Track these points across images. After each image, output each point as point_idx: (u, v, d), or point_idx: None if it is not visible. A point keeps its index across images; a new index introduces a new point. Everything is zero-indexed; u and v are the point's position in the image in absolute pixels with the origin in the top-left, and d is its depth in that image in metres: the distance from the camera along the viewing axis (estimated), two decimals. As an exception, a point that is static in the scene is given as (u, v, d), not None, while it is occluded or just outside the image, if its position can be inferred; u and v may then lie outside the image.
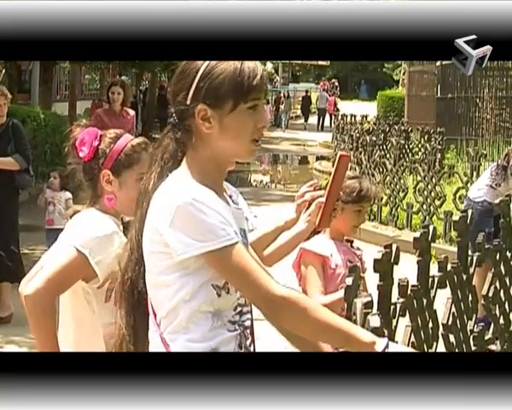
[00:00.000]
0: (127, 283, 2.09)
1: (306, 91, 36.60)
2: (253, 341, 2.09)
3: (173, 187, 1.97)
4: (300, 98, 37.12)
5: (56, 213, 7.32)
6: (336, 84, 44.45)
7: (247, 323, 2.07)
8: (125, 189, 2.67)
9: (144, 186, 2.07)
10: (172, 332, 2.00)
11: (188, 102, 1.99)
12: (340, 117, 22.45)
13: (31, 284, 2.52)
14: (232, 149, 2.03)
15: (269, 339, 2.75)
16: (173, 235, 1.92)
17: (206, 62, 1.99)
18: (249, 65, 2.00)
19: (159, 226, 1.95)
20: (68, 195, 7.39)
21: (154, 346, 2.05)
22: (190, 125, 2.01)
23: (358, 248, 3.59)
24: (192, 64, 2.00)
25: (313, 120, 34.69)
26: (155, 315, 2.04)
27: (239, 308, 2.04)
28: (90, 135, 2.68)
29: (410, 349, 2.34)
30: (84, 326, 2.62)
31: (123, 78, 8.90)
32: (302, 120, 35.90)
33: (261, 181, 17.19)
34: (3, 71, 15.50)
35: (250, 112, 2.00)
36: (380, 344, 1.92)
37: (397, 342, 2.76)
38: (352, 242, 3.55)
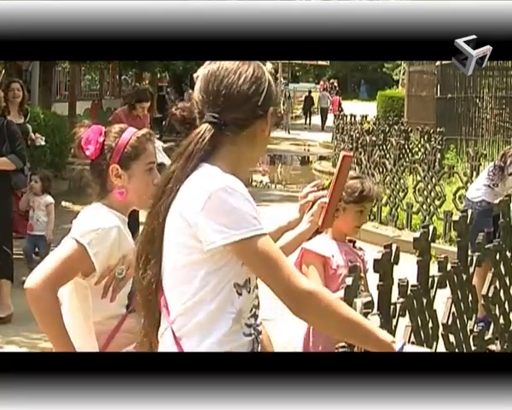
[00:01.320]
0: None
1: (309, 91, 36.45)
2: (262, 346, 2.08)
3: (206, 175, 1.96)
4: (302, 98, 37.01)
5: (35, 218, 7.23)
6: (335, 84, 44.44)
7: (260, 328, 2.06)
8: (134, 181, 2.68)
9: (175, 178, 2.00)
10: (188, 332, 1.97)
11: (259, 104, 2.03)
12: (339, 117, 22.44)
13: (30, 277, 2.49)
14: (266, 147, 2.15)
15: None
16: (204, 222, 1.90)
17: (264, 67, 2.07)
18: None
19: (188, 214, 1.93)
20: (49, 199, 7.32)
21: (166, 344, 2.02)
22: (247, 125, 2.03)
23: (360, 249, 3.58)
24: (261, 68, 2.05)
25: (315, 120, 34.62)
26: (168, 312, 2.01)
27: (254, 310, 2.02)
28: (95, 132, 2.69)
29: (424, 349, 2.35)
30: (78, 323, 2.60)
31: (148, 86, 8.98)
32: (302, 120, 35.82)
33: (261, 181, 17.17)
34: (3, 71, 15.47)
35: None
36: (397, 344, 1.95)
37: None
38: (354, 242, 3.55)
